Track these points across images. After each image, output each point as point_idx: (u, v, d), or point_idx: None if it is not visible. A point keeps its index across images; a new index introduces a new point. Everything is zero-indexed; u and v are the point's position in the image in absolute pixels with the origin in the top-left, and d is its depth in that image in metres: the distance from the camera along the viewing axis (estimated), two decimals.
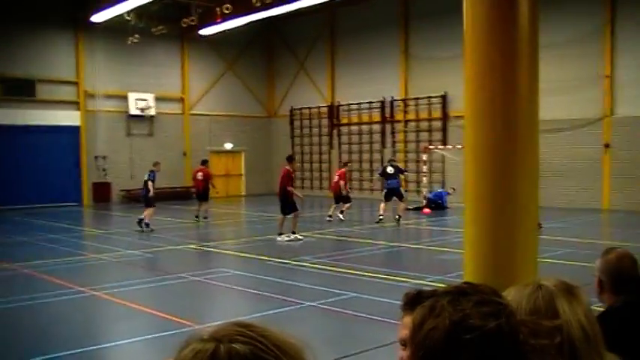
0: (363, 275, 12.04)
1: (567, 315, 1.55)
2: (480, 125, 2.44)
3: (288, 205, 17.23)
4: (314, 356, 1.09)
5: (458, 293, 1.33)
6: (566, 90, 24.07)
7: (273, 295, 10.54)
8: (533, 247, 2.49)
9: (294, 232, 17.10)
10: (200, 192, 22.34)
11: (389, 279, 11.63)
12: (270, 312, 9.55)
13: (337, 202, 21.54)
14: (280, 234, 17.04)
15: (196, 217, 21.91)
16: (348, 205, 21.45)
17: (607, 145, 23.57)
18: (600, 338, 1.61)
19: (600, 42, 23.54)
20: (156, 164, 20.43)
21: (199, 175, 22.35)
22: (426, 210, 24.04)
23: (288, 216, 17.22)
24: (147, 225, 19.12)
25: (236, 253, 15.44)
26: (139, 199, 29.85)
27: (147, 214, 19.17)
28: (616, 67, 23.37)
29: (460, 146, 20.94)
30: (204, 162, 23.20)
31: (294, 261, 13.69)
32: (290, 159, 18.21)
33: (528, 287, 1.64)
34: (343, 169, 22.28)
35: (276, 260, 13.91)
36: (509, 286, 2.44)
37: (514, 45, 2.36)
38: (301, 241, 16.73)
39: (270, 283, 11.54)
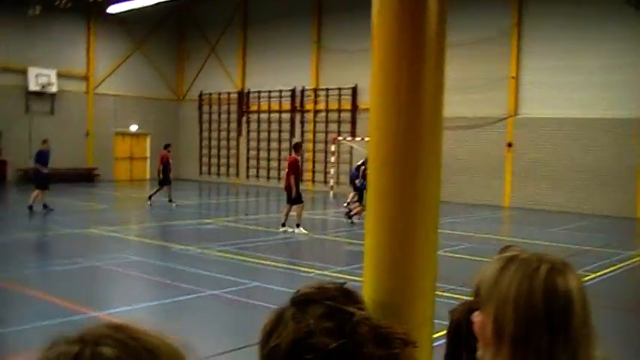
0: (268, 265, 12.00)
1: (577, 296, 1.51)
2: (385, 120, 2.43)
3: (293, 195, 16.16)
4: (194, 356, 1.03)
5: (305, 302, 1.31)
6: (473, 89, 24.80)
7: (174, 282, 10.35)
8: (434, 241, 2.51)
9: (298, 225, 16.08)
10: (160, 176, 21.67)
11: (293, 269, 11.64)
12: (170, 300, 9.37)
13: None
14: (283, 224, 16.20)
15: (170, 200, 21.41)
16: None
17: (510, 144, 24.46)
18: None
19: (508, 44, 24.36)
20: (44, 142, 19.64)
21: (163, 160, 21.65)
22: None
23: (294, 206, 16.20)
24: (44, 207, 18.38)
25: (139, 239, 15.07)
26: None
27: (34, 195, 18.44)
28: (521, 69, 24.26)
29: (368, 138, 21.14)
30: (166, 146, 22.44)
31: (199, 248, 13.49)
32: (297, 147, 16.98)
33: (538, 263, 1.54)
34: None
35: (180, 247, 13.67)
36: (407, 280, 2.45)
37: (421, 42, 2.35)
38: (307, 236, 15.79)
39: (171, 271, 11.33)
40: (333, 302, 1.31)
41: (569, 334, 1.49)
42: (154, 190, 21.89)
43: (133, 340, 0.95)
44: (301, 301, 1.32)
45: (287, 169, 16.39)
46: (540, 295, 1.50)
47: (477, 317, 1.58)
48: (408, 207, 2.44)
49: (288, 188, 16.22)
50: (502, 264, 1.59)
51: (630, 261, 13.40)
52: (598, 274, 11.87)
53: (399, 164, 2.40)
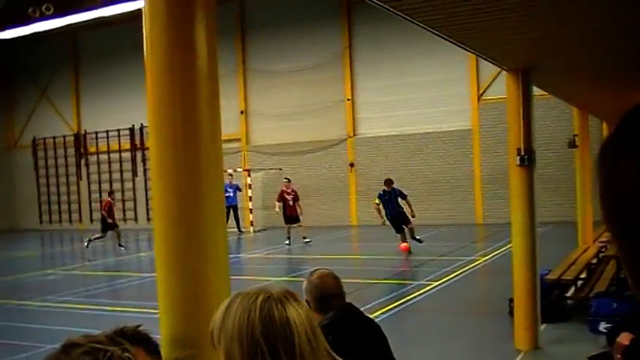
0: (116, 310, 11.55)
1: (298, 323, 1.56)
2: (163, 161, 2.43)
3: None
4: None
5: (71, 346, 1.40)
6: (313, 113, 25.44)
7: (8, 341, 9.68)
8: (224, 276, 2.53)
9: (305, 237, 19.17)
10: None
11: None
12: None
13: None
14: (287, 238, 19.32)
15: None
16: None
17: (352, 165, 25.23)
18: (324, 344, 1.65)
19: (341, 67, 25.23)
20: None
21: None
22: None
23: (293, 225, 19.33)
24: None
25: None
26: None
27: None
28: (356, 90, 25.19)
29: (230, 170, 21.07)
30: (110, 193, 23.52)
31: (37, 302, 12.72)
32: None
33: (256, 296, 1.61)
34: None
35: (16, 302, 12.83)
36: (203, 311, 2.45)
37: (193, 77, 2.38)
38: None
39: (6, 329, 10.59)
40: (96, 344, 1.39)
41: (294, 357, 1.56)
42: (97, 236, 21.07)
43: None
44: (68, 345, 1.41)
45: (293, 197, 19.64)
46: (258, 326, 1.56)
47: None
48: (194, 244, 2.45)
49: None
50: (228, 303, 1.66)
51: (470, 266, 14.17)
52: (441, 280, 12.46)
53: (181, 203, 2.41)
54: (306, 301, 3.18)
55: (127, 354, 1.35)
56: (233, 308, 1.62)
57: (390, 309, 10.33)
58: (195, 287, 2.41)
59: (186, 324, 2.37)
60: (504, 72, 8.16)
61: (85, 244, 21.13)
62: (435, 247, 17.03)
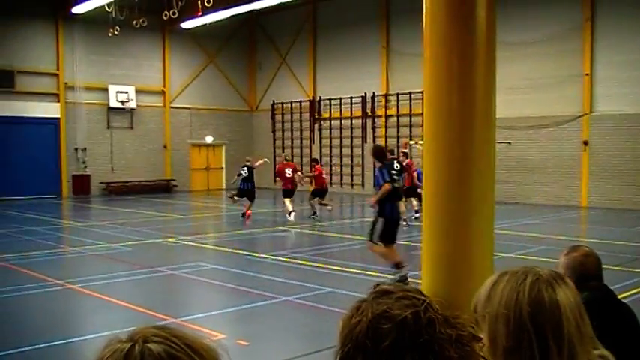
0: (340, 270, 12.10)
1: (567, 307, 1.56)
2: (437, 122, 2.48)
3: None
4: (228, 356, 1.17)
5: (382, 292, 1.41)
6: (546, 87, 24.29)
7: (249, 289, 10.57)
8: (489, 244, 2.54)
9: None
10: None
11: (366, 274, 11.70)
12: (246, 306, 9.58)
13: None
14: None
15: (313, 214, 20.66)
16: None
17: (586, 143, 23.79)
18: (590, 329, 1.64)
19: (580, 39, 23.72)
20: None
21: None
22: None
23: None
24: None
25: (214, 247, 15.45)
26: (118, 191, 29.87)
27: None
28: (595, 65, 23.57)
29: None
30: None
31: (272, 255, 13.72)
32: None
33: (525, 276, 1.60)
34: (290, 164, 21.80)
35: (254, 255, 13.94)
36: (463, 281, 2.49)
37: (471, 44, 2.40)
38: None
39: (246, 277, 11.57)
40: (408, 292, 1.42)
41: (562, 342, 1.52)
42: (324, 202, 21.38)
43: (175, 338, 1.11)
44: (379, 291, 1.43)
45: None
46: (526, 307, 1.53)
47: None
48: (462, 207, 2.49)
49: None
50: (494, 280, 1.64)
51: None
52: None
53: (453, 166, 2.45)
54: None
55: (439, 308, 1.38)
56: (500, 286, 1.60)
57: (622, 298, 9.66)
58: (461, 251, 2.45)
59: (448, 287, 2.42)
60: None
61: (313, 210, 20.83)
62: None
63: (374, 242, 10.99)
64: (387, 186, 10.76)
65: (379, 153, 11.56)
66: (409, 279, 10.37)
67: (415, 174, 18.81)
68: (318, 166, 22.39)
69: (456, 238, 2.45)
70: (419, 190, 18.00)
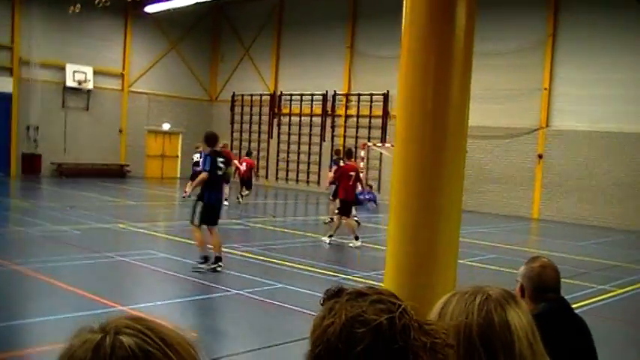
0: (292, 267, 12.06)
1: (518, 327, 1.54)
2: (410, 128, 2.46)
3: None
4: (203, 351, 1.11)
5: (357, 294, 1.36)
6: (505, 99, 24.66)
7: (199, 280, 10.46)
8: (454, 250, 2.53)
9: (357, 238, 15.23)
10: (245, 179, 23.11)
11: (315, 271, 11.69)
12: (196, 298, 9.48)
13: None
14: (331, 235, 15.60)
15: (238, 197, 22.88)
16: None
17: (540, 156, 24.22)
18: (542, 347, 1.63)
19: (542, 54, 24.14)
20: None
21: (244, 165, 22.96)
22: None
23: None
24: None
25: (165, 236, 15.25)
26: (70, 173, 29.25)
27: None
28: (555, 80, 24.01)
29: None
30: (249, 154, 25.64)
31: (224, 248, 13.58)
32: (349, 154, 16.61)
33: (473, 297, 1.59)
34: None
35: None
36: (427, 286, 2.48)
37: (449, 51, 2.39)
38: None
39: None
40: (382, 295, 1.36)
41: None
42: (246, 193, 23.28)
43: (149, 331, 1.05)
44: (354, 293, 1.37)
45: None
46: (476, 329, 1.53)
47: None
48: (431, 213, 2.48)
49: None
50: (444, 301, 1.64)
51: None
52: (625, 289, 11.72)
53: (424, 171, 2.44)
54: (522, 286, 3.13)
55: (413, 314, 1.35)
56: (449, 308, 1.60)
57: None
58: (427, 256, 2.44)
59: (410, 296, 2.41)
60: None
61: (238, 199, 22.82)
62: (622, 254, 16.01)
63: (195, 225, 11.41)
64: (204, 175, 11.25)
65: (210, 139, 11.84)
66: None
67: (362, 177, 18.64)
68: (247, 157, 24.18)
69: (423, 242, 2.43)
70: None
